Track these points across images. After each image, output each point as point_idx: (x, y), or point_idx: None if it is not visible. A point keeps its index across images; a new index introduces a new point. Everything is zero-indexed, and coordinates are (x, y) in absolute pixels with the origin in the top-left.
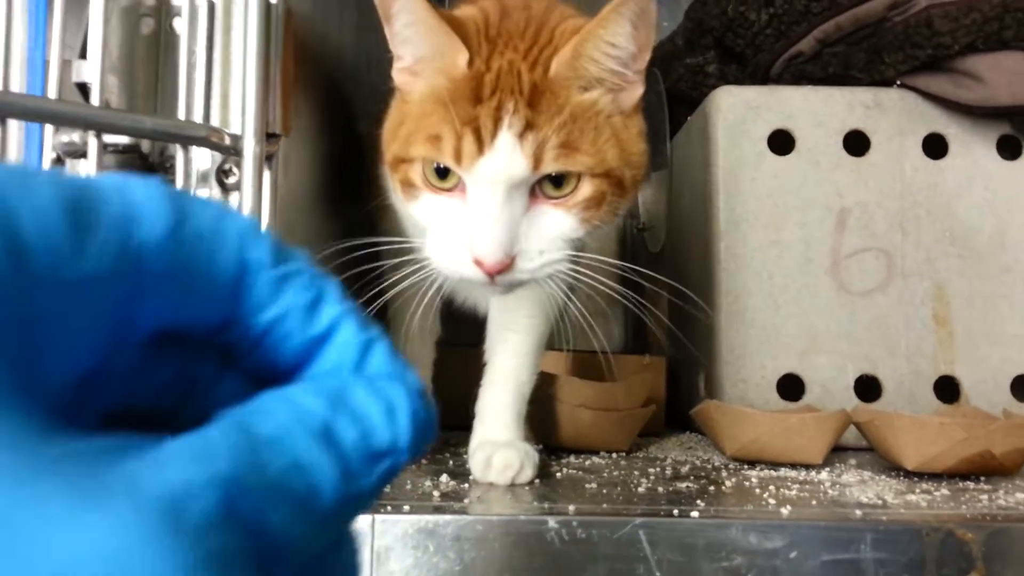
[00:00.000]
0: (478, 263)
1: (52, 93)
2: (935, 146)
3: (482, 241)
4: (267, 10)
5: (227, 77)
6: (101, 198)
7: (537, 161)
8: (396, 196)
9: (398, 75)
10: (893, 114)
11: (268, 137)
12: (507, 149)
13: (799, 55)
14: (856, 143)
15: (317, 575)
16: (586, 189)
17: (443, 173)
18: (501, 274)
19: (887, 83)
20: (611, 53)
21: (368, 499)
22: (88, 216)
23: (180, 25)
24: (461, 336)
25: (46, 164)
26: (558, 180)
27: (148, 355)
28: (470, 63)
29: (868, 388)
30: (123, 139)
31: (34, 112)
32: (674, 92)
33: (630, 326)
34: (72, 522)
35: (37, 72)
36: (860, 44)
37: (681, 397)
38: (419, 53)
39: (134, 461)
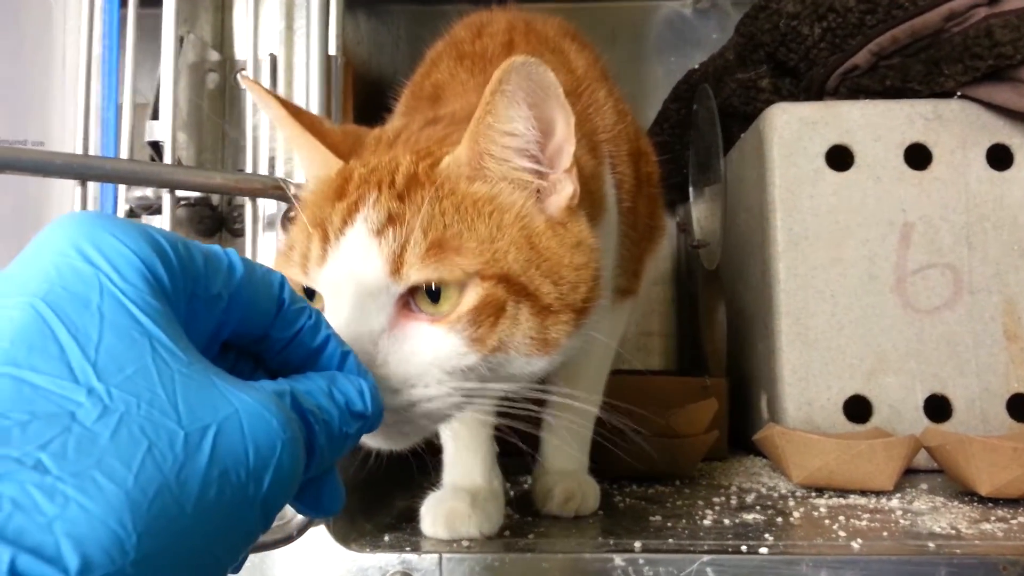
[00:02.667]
0: None
1: (124, 152)
2: (1000, 157)
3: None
4: (327, 62)
5: None
6: (215, 253)
7: (396, 264)
8: None
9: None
10: (955, 126)
11: None
12: (356, 247)
13: (855, 68)
14: (917, 156)
15: (320, 486)
16: (473, 296)
17: (310, 292)
18: None
19: (947, 95)
20: (511, 145)
21: (350, 442)
22: (213, 262)
23: (244, 79)
24: None
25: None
26: (435, 293)
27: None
28: (343, 167)
29: (938, 408)
30: (194, 193)
31: (113, 174)
32: (726, 107)
33: (687, 346)
34: (234, 394)
35: (110, 132)
36: (917, 56)
37: (743, 419)
38: (306, 172)
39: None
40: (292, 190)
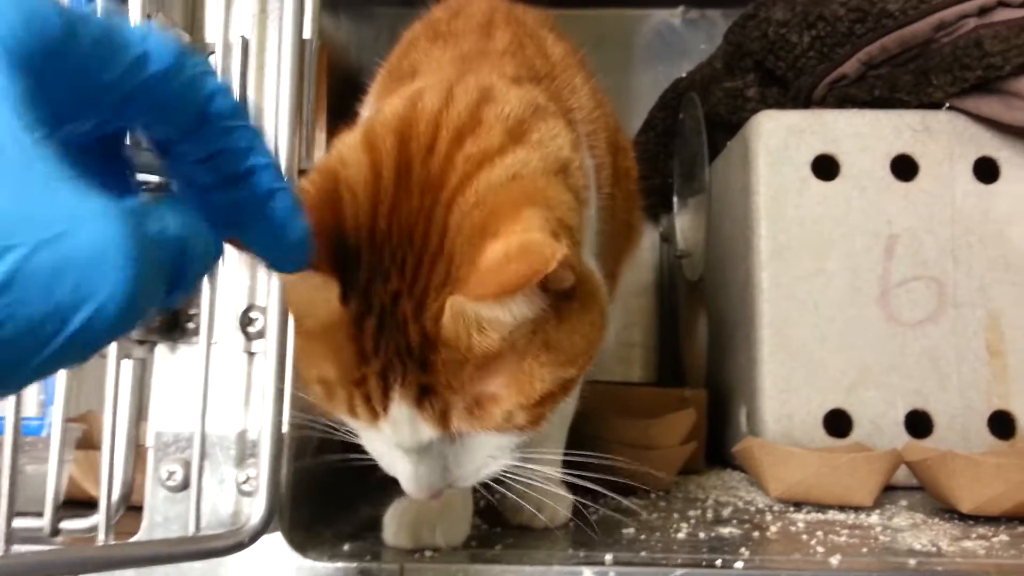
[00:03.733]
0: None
1: None
2: (986, 170)
3: (407, 484)
4: (301, 46)
5: (260, 114)
6: (115, 40)
7: (444, 424)
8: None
9: (286, 291)
10: (942, 137)
11: (300, 173)
12: (404, 419)
13: (843, 78)
14: (904, 168)
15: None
16: (520, 418)
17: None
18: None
19: (935, 106)
20: (507, 323)
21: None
22: (107, 47)
23: (214, 62)
24: None
25: None
26: None
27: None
28: (343, 298)
29: (919, 424)
30: (154, 178)
31: None
32: (712, 116)
33: (668, 358)
34: (74, 197)
35: None
36: (906, 66)
37: (722, 432)
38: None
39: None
40: None
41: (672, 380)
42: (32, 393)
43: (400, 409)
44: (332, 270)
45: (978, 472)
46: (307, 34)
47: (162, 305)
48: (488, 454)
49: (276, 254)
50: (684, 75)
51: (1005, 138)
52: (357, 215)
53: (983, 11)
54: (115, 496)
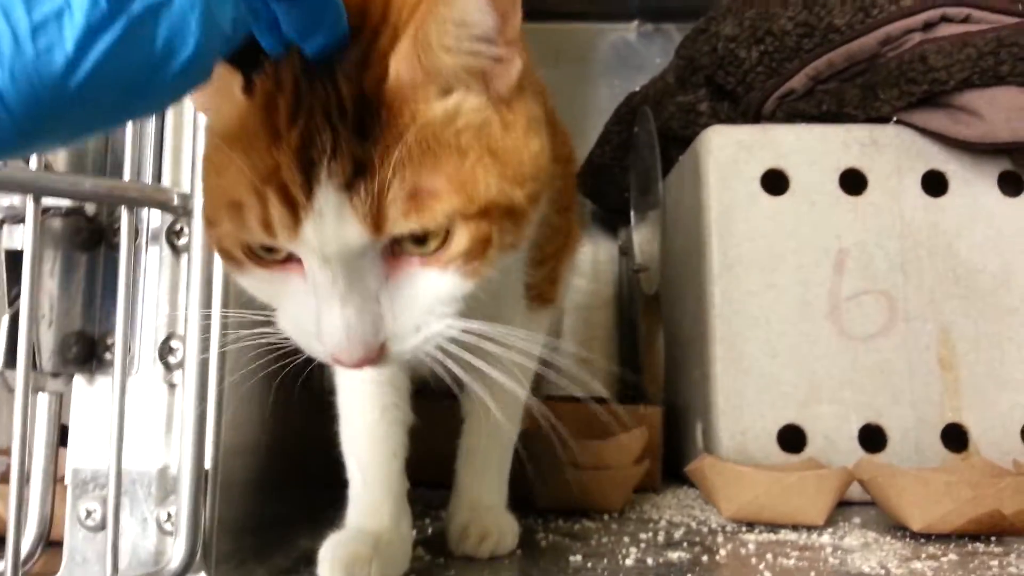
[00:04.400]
0: (336, 360)
1: None
2: (935, 183)
3: (332, 338)
4: None
5: (179, 133)
6: None
7: (376, 223)
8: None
9: (193, 99)
10: (890, 151)
11: None
12: (330, 210)
13: (791, 92)
14: (853, 182)
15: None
16: (462, 239)
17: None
18: (371, 364)
19: (883, 120)
20: (469, 33)
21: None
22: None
23: None
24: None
25: None
26: (421, 235)
27: None
28: (247, 87)
29: (873, 438)
30: (65, 202)
31: None
32: (665, 131)
33: (628, 373)
34: None
35: None
36: (854, 80)
37: (680, 448)
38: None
39: None
40: (175, 200)
41: (632, 396)
42: None
43: (326, 194)
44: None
45: (927, 490)
46: None
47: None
48: (428, 305)
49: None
50: (638, 89)
51: (952, 152)
52: None
53: (927, 26)
54: (32, 534)
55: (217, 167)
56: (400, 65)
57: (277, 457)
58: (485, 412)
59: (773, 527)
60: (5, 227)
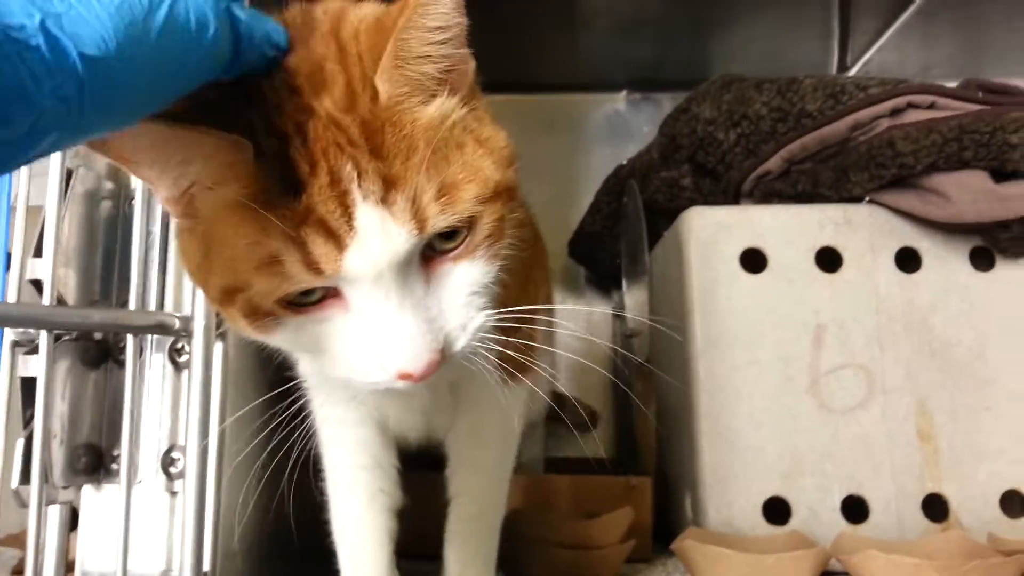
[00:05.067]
0: (405, 376)
1: (12, 295)
2: (908, 260)
3: (398, 350)
4: None
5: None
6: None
7: (421, 222)
8: (245, 335)
9: (171, 206)
10: (864, 230)
11: (218, 316)
12: (376, 226)
13: (768, 173)
14: (828, 259)
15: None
16: (485, 223)
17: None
18: (435, 369)
19: (856, 200)
20: (442, 38)
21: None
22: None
23: (136, 208)
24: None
25: (5, 354)
26: (447, 232)
27: None
28: (257, 150)
29: (855, 509)
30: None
31: None
32: (652, 203)
33: (624, 436)
34: None
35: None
36: (827, 162)
37: (672, 517)
38: (185, 173)
39: None
40: (176, 324)
41: (627, 459)
42: None
43: (367, 213)
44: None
45: (898, 571)
46: None
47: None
48: (466, 298)
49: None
50: (625, 162)
51: (925, 229)
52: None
53: (895, 112)
54: None
55: (231, 237)
56: (386, 83)
57: (276, 551)
58: (471, 495)
59: None
60: (20, 357)
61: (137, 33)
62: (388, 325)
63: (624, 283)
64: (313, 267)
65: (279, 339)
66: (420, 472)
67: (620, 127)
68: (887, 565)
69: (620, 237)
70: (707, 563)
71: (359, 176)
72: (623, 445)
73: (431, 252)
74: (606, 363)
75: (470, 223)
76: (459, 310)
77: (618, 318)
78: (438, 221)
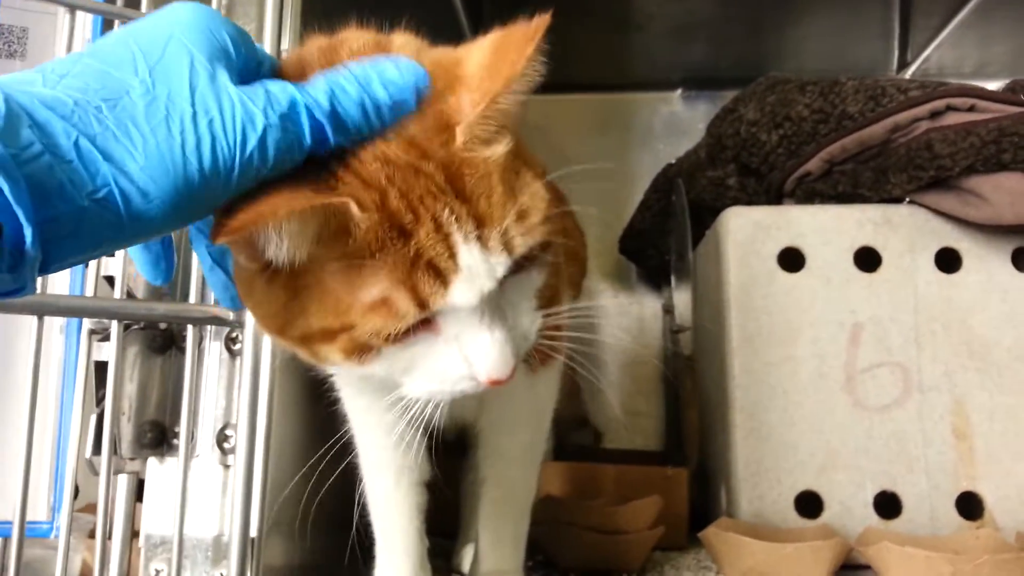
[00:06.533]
0: (495, 383)
1: (90, 289)
2: (948, 260)
3: (490, 362)
4: None
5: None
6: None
7: (510, 250)
8: (322, 364)
9: (244, 252)
10: (903, 230)
11: None
12: (476, 260)
13: (808, 174)
14: (867, 259)
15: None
16: (541, 233)
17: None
18: (514, 372)
19: (896, 200)
20: (519, 89)
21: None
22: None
23: None
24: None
25: (83, 341)
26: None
27: None
28: (360, 205)
29: (888, 504)
30: None
31: (66, 309)
32: (699, 202)
33: (673, 429)
34: (235, 95)
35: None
36: (867, 164)
37: (710, 508)
38: (306, 244)
39: None
40: (231, 316)
41: (675, 452)
42: (43, 497)
43: (469, 250)
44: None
45: (910, 564)
46: None
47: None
48: (526, 305)
49: None
50: (673, 161)
51: (965, 230)
52: None
53: (934, 115)
54: None
55: (333, 284)
56: (466, 134)
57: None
58: (501, 479)
59: None
60: (94, 343)
61: (175, 149)
62: (481, 342)
63: (673, 280)
64: (420, 304)
65: (376, 367)
66: (456, 458)
67: (675, 125)
68: (900, 556)
69: (669, 234)
70: (728, 550)
71: (457, 220)
72: (671, 438)
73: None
74: (657, 357)
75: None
76: (525, 316)
77: (668, 313)
78: (522, 248)
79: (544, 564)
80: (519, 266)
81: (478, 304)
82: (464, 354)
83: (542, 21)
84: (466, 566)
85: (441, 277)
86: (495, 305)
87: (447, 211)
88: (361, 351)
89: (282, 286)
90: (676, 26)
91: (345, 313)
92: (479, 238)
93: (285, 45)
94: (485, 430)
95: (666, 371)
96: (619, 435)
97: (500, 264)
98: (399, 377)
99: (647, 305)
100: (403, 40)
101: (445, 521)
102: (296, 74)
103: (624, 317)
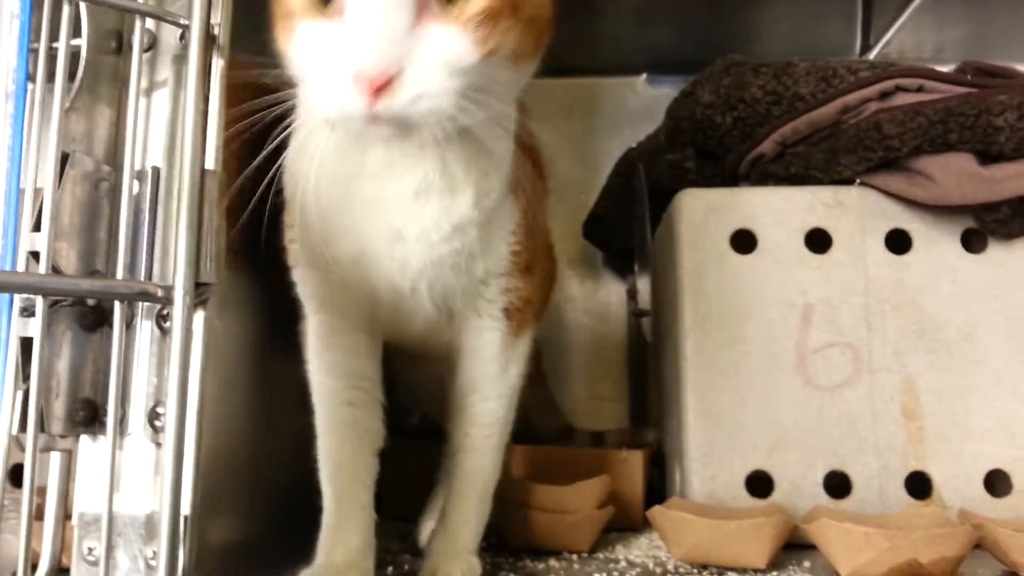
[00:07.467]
0: (358, 78)
1: (20, 265)
2: (899, 241)
3: (363, 50)
4: (202, 177)
5: (167, 232)
6: None
7: None
8: (281, 45)
9: None
10: (854, 212)
11: (199, 286)
12: None
13: (762, 156)
14: (818, 241)
15: None
16: (480, 1)
17: None
18: (382, 94)
19: (847, 182)
20: None
21: None
22: None
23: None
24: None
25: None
26: None
27: None
28: None
29: (838, 484)
30: None
31: None
32: (659, 186)
33: (638, 410)
34: None
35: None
36: (818, 145)
37: (667, 490)
38: None
39: None
40: (160, 293)
41: (640, 436)
42: None
43: None
44: None
45: (850, 540)
46: (209, 164)
47: None
48: (438, 61)
49: None
50: (634, 145)
51: (916, 211)
52: None
53: (884, 96)
54: (46, 565)
55: None
56: None
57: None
58: (468, 453)
59: (721, 569)
60: (19, 319)
61: None
62: (365, 25)
63: (636, 264)
64: None
65: (296, 47)
66: (422, 441)
67: (639, 110)
68: (839, 532)
69: (632, 219)
70: (673, 528)
71: None
72: (636, 422)
73: (426, 10)
74: (621, 342)
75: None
76: (426, 64)
77: (632, 298)
78: None
79: (496, 545)
80: (449, 4)
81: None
82: (350, 40)
83: None
84: (423, 540)
85: None
86: (399, 18)
87: None
88: (288, 20)
89: None
90: (638, 9)
91: None
92: None
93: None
94: (456, 397)
95: (630, 356)
96: (579, 419)
97: None
98: (307, 81)
99: (612, 290)
100: None
101: (403, 503)
102: None
103: (589, 302)
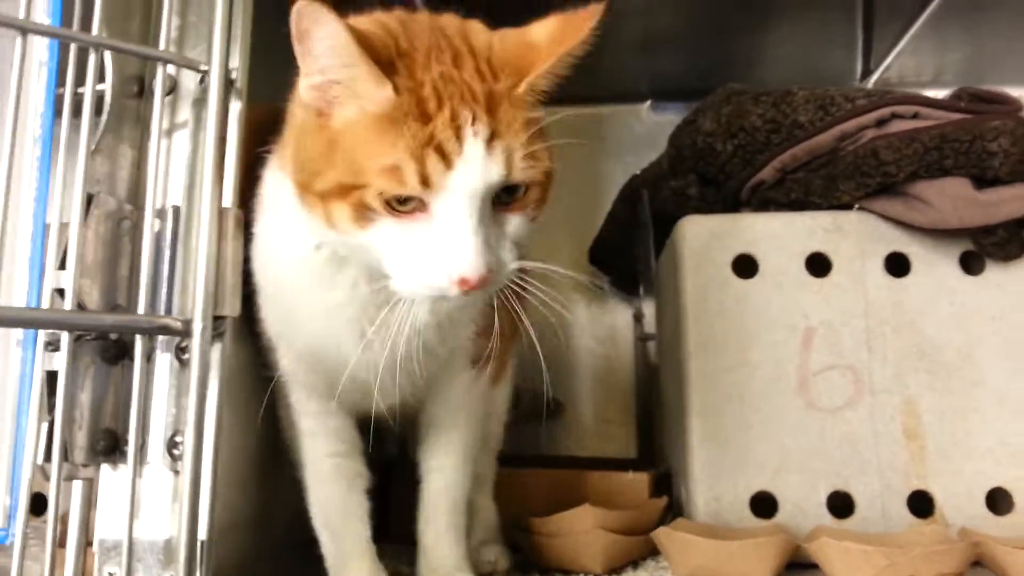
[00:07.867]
0: (462, 282)
1: (46, 302)
2: (898, 264)
3: (465, 258)
4: (220, 214)
5: (186, 270)
6: None
7: (509, 168)
8: (331, 228)
9: (308, 91)
10: (853, 236)
11: (216, 319)
12: (478, 157)
13: (763, 183)
14: (818, 265)
15: None
16: (536, 191)
17: (403, 199)
18: (482, 286)
19: (846, 207)
20: (576, 54)
21: None
22: None
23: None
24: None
25: (39, 353)
26: (512, 188)
27: None
28: (395, 88)
29: (841, 504)
30: None
31: (15, 320)
32: (662, 212)
33: (644, 435)
34: None
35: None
36: (817, 172)
37: (672, 511)
38: (336, 78)
39: None
40: (179, 326)
41: (649, 458)
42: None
43: (474, 147)
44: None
45: (849, 558)
46: (227, 202)
47: None
48: (511, 243)
49: None
50: (639, 172)
51: (914, 235)
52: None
53: (880, 123)
54: None
55: (362, 144)
56: (529, 84)
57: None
58: (443, 472)
59: None
60: (45, 353)
61: None
62: (461, 237)
63: (642, 289)
64: (423, 179)
65: (371, 236)
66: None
67: (644, 137)
68: (839, 551)
69: (637, 244)
70: (677, 549)
71: (473, 121)
72: (643, 445)
73: (499, 203)
74: (628, 365)
75: (528, 186)
76: (506, 251)
77: (637, 322)
78: (519, 173)
79: (524, 563)
80: (512, 198)
81: (471, 200)
82: (446, 244)
83: (600, 6)
84: None
85: (446, 160)
86: (487, 220)
87: (470, 114)
88: (365, 216)
89: (326, 138)
90: (643, 37)
91: (361, 173)
92: (487, 141)
93: (235, 64)
94: (430, 426)
95: (638, 380)
96: (587, 443)
97: (498, 169)
98: (387, 264)
99: (619, 314)
100: (480, 26)
101: (411, 526)
102: (388, 43)
103: (596, 326)
